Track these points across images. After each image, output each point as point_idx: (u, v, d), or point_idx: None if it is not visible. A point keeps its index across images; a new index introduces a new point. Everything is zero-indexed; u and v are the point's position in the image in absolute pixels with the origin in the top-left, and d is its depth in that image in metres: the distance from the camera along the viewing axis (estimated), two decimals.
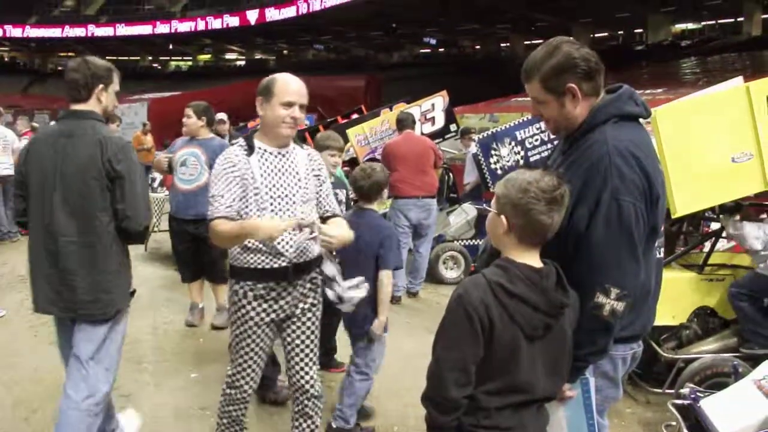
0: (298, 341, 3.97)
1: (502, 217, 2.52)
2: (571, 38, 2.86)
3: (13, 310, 7.92)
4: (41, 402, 5.40)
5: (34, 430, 4.96)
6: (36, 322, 7.42)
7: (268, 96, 3.70)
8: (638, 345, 2.99)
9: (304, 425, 4.10)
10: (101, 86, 3.96)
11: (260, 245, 3.72)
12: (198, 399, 5.49)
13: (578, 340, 2.64)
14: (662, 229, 2.96)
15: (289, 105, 3.68)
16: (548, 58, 2.79)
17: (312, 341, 4.01)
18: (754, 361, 4.95)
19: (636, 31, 47.05)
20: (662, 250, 3.10)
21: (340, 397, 4.82)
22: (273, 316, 3.86)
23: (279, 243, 3.72)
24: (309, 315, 3.97)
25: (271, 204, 3.72)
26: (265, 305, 3.83)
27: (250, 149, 3.74)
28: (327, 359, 6.03)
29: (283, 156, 3.81)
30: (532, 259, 2.52)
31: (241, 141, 3.83)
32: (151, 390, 5.71)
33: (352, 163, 9.93)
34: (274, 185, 3.74)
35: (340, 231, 3.79)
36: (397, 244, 4.72)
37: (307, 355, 3.99)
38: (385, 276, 4.61)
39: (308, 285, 3.93)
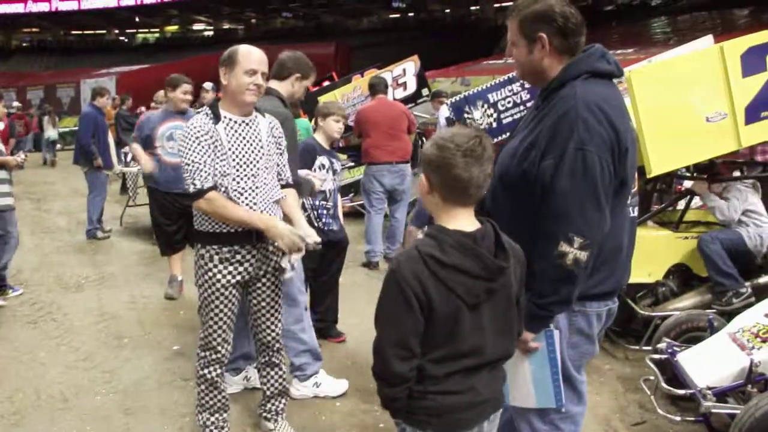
0: (263, 303, 4.18)
1: (422, 176, 2.47)
2: None
3: None
4: (23, 381, 5.39)
5: (17, 409, 4.94)
6: (13, 302, 7.39)
7: (232, 65, 3.86)
8: (613, 302, 3.02)
9: (272, 373, 4.37)
10: None
11: None
12: (180, 371, 5.50)
13: (541, 290, 2.71)
14: (636, 188, 2.99)
15: (253, 72, 3.85)
16: (532, 4, 2.84)
17: (276, 301, 4.22)
18: (729, 316, 5.04)
19: None
20: (636, 208, 3.12)
21: None
22: (239, 278, 4.00)
23: (244, 206, 3.88)
24: (272, 277, 4.15)
25: (236, 170, 3.86)
26: (230, 268, 3.96)
27: (216, 118, 3.87)
28: (327, 328, 6.10)
29: (247, 124, 3.96)
30: (465, 220, 2.43)
31: (206, 110, 3.94)
32: (133, 364, 5.70)
33: None
34: (239, 152, 3.88)
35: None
36: None
37: (272, 315, 4.23)
38: None
39: (270, 248, 4.05)
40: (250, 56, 3.89)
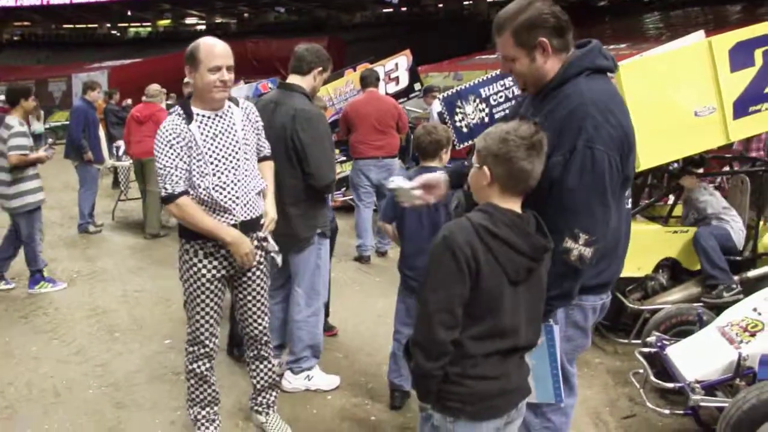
0: (249, 297, 4.17)
1: (485, 168, 2.52)
2: None
3: None
4: (15, 375, 5.39)
5: (9, 403, 4.94)
6: (5, 296, 7.39)
7: (195, 64, 3.75)
8: (607, 295, 3.05)
9: (261, 366, 4.37)
10: None
11: (203, 207, 3.84)
12: (172, 364, 5.51)
13: (546, 284, 2.70)
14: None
15: (217, 69, 3.73)
16: (520, 13, 2.79)
17: (261, 295, 4.22)
18: (718, 309, 5.07)
19: None
20: (630, 200, 3.14)
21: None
22: (223, 272, 3.99)
23: (227, 200, 3.86)
24: (257, 271, 4.14)
25: (214, 167, 3.81)
26: (215, 262, 3.94)
27: (189, 117, 3.80)
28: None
29: (221, 118, 3.89)
30: (515, 207, 2.54)
31: (178, 109, 3.86)
32: (124, 358, 5.71)
33: None
34: (215, 149, 3.82)
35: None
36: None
37: (258, 308, 4.22)
38: None
39: (254, 243, 4.02)
40: (213, 51, 3.75)
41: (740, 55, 5.18)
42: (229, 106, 3.96)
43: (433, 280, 2.44)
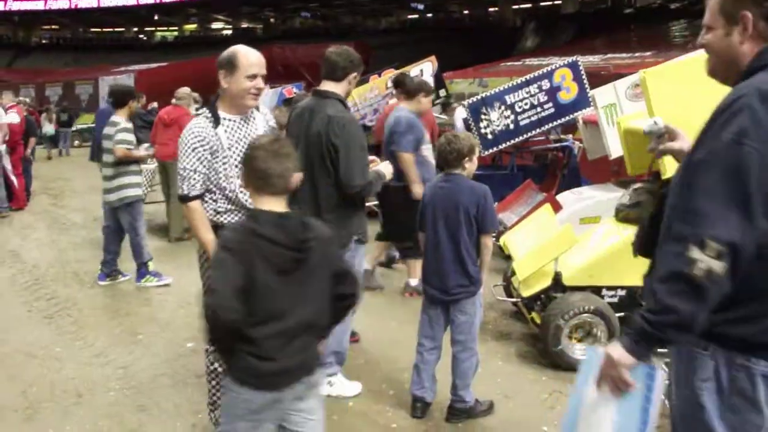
0: None
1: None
2: None
3: (4, 286, 7.92)
4: (37, 376, 5.42)
5: (30, 404, 4.97)
6: (29, 298, 7.44)
7: (232, 69, 3.90)
8: None
9: None
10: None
11: (230, 206, 4.00)
12: (195, 367, 5.49)
13: (657, 304, 2.22)
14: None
15: (254, 77, 3.92)
16: None
17: None
18: None
19: None
20: None
21: (452, 380, 4.71)
22: None
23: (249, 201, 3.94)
24: None
25: (239, 170, 3.87)
26: None
27: (216, 120, 3.95)
28: None
29: (245, 123, 4.06)
30: (277, 207, 2.88)
31: (206, 112, 4.01)
32: (147, 361, 5.72)
33: None
34: (240, 152, 3.90)
35: None
36: (492, 205, 4.71)
37: None
38: (488, 240, 4.63)
39: None
40: (251, 60, 3.93)
41: None
42: (252, 112, 4.09)
43: (214, 265, 2.87)
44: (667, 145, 2.95)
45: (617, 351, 2.30)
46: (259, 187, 2.89)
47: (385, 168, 4.94)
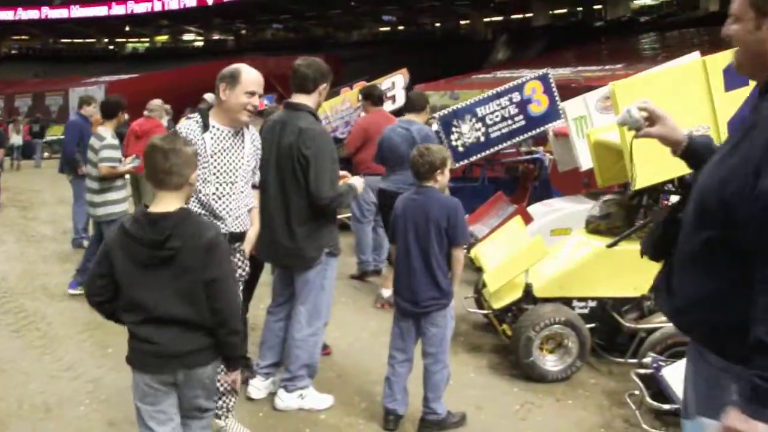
0: None
1: None
2: None
3: None
4: (5, 391, 5.34)
5: None
6: None
7: (234, 83, 4.09)
8: None
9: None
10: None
11: (202, 210, 4.12)
12: None
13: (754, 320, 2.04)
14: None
15: (252, 94, 4.13)
16: None
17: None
18: None
19: (595, 7, 47.30)
20: None
21: (424, 393, 4.71)
22: None
23: (221, 210, 4.17)
24: (239, 283, 4.28)
25: (215, 177, 4.11)
26: None
27: (205, 126, 4.12)
28: None
29: (234, 136, 4.21)
30: (166, 204, 3.12)
31: (197, 117, 4.16)
32: (117, 374, 5.63)
33: None
34: (221, 161, 4.14)
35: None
36: (463, 218, 4.71)
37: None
38: (459, 252, 4.62)
39: (237, 255, 4.30)
40: (252, 78, 4.14)
41: (735, 74, 5.17)
42: (243, 129, 4.25)
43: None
44: (646, 131, 2.86)
45: (739, 420, 2.04)
46: (154, 183, 3.15)
47: (357, 181, 4.97)
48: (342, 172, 4.98)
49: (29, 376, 5.63)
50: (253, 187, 4.52)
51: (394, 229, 4.75)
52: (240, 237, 4.33)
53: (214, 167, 4.09)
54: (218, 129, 4.14)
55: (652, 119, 2.85)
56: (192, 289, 3.09)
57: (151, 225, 3.06)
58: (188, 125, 4.16)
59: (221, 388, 4.44)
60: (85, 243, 10.39)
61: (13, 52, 66.31)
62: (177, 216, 3.09)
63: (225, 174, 4.15)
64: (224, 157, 4.14)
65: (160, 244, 3.05)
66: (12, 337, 6.59)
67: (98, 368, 5.79)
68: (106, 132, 7.73)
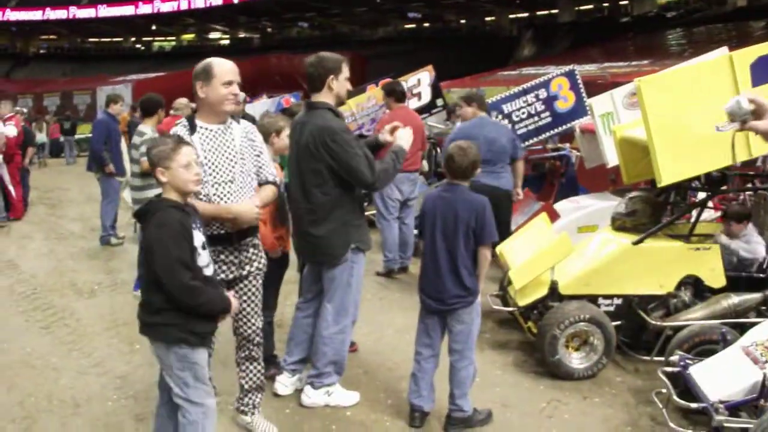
0: (245, 298, 4.40)
1: None
2: None
3: (2, 296, 7.91)
4: (35, 386, 5.41)
5: (28, 413, 4.96)
6: (27, 308, 7.43)
7: (208, 78, 4.09)
8: None
9: (251, 367, 4.59)
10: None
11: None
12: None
13: None
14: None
15: (230, 83, 4.10)
16: None
17: (258, 297, 4.49)
18: (742, 329, 5.00)
19: (621, 2, 46.89)
20: None
21: (450, 389, 4.71)
22: (222, 276, 4.20)
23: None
24: (253, 279, 4.42)
25: (212, 177, 4.12)
26: (216, 267, 4.05)
27: (192, 128, 4.13)
28: None
29: (222, 132, 4.20)
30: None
31: (184, 121, 4.18)
32: (144, 370, 5.69)
33: None
34: (214, 159, 4.13)
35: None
36: (491, 217, 4.65)
37: (253, 310, 4.47)
38: (486, 251, 4.60)
39: (251, 249, 4.36)
40: (226, 68, 4.12)
41: (762, 70, 5.12)
42: (230, 122, 4.23)
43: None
44: (751, 124, 2.86)
45: None
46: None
47: (404, 135, 4.99)
48: (395, 123, 5.10)
49: (59, 372, 5.69)
50: (266, 183, 4.43)
51: (422, 226, 4.74)
52: (245, 233, 4.29)
53: (209, 167, 4.09)
54: (206, 128, 4.15)
55: (758, 113, 2.83)
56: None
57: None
58: (176, 131, 4.12)
59: (246, 385, 4.49)
60: (113, 240, 10.51)
61: (41, 51, 66.93)
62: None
63: (221, 173, 4.13)
64: (217, 155, 4.13)
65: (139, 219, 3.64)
66: (41, 334, 6.66)
67: (126, 364, 5.85)
68: (147, 128, 7.81)
